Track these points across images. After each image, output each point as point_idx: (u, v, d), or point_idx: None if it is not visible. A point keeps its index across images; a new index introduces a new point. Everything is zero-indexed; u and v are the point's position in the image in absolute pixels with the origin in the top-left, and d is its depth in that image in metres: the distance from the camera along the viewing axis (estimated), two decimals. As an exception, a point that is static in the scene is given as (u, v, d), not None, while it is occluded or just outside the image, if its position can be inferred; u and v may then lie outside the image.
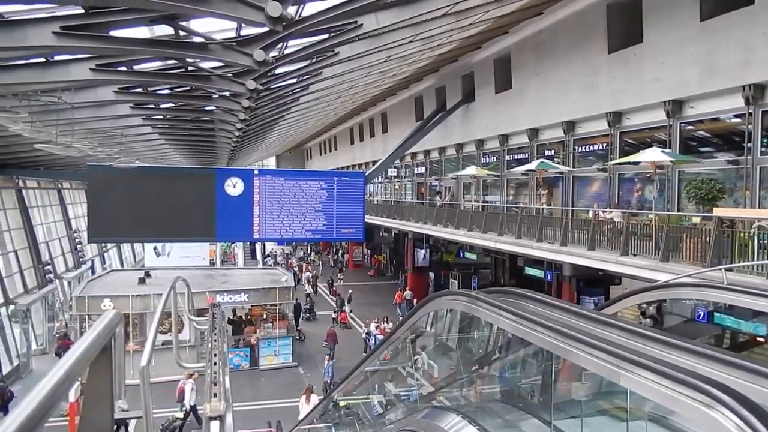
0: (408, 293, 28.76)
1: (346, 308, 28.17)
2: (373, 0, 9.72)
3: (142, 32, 9.37)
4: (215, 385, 3.84)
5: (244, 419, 13.99)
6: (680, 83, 13.41)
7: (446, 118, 25.00)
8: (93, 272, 30.75)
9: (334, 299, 29.74)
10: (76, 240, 31.05)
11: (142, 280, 22.90)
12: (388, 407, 9.17)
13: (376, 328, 22.82)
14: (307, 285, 32.60)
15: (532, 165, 17.37)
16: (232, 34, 10.05)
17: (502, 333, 5.86)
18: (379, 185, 39.62)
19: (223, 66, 10.93)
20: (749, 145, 12.16)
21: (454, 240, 23.96)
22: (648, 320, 10.82)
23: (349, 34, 10.88)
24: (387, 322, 23.05)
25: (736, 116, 12.74)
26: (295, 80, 14.66)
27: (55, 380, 1.25)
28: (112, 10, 7.71)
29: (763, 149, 12.11)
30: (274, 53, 10.46)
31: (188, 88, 13.03)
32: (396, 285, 32.65)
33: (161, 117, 16.65)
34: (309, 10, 9.41)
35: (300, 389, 16.48)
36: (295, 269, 38.00)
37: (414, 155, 30.82)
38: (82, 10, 7.75)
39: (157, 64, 11.39)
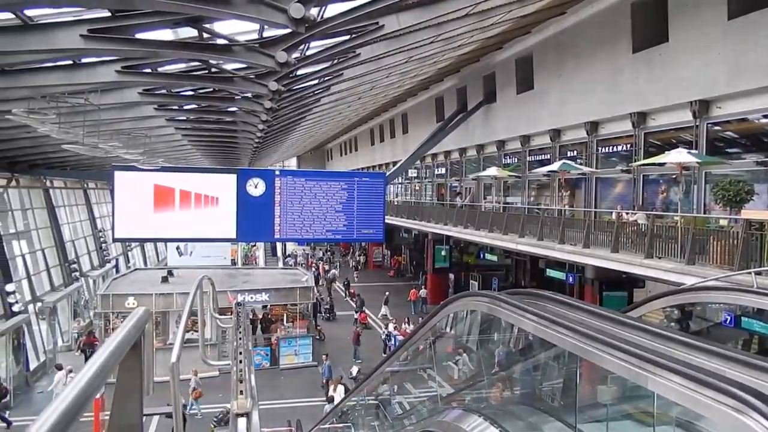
0: (423, 291, 29.18)
1: (384, 310, 28.45)
2: (395, 1, 9.73)
3: (166, 35, 9.50)
4: (241, 382, 3.86)
5: (265, 418, 14.04)
6: (707, 83, 13.15)
7: (467, 119, 24.88)
8: (117, 271, 31.28)
9: (354, 300, 29.87)
10: (101, 239, 31.59)
11: (165, 279, 23.25)
12: (409, 408, 9.17)
13: (395, 329, 22.86)
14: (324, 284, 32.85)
15: (555, 166, 17.22)
16: (255, 36, 10.13)
17: (523, 334, 5.82)
18: (400, 186, 39.59)
19: (246, 67, 11.04)
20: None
21: (475, 241, 23.84)
22: (673, 324, 10.64)
23: (371, 35, 10.89)
24: (408, 324, 23.07)
25: (765, 116, 12.47)
26: (316, 81, 14.74)
27: (88, 376, 1.28)
28: (138, 12, 7.84)
29: (794, 150, 11.85)
30: (296, 54, 10.52)
31: (211, 89, 13.19)
32: (416, 286, 32.67)
33: (185, 118, 16.87)
34: (331, 11, 9.45)
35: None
36: (318, 269, 38.21)
37: (434, 156, 30.76)
38: (109, 13, 7.90)
39: (180, 66, 11.54)
